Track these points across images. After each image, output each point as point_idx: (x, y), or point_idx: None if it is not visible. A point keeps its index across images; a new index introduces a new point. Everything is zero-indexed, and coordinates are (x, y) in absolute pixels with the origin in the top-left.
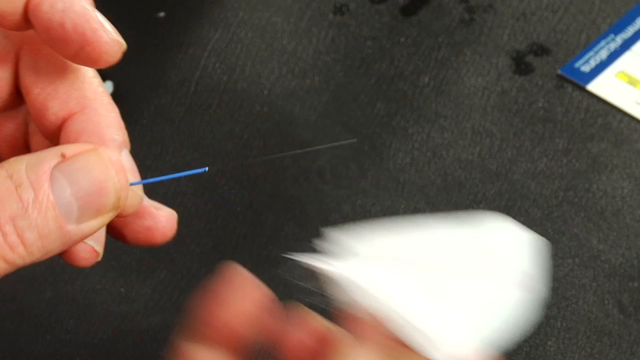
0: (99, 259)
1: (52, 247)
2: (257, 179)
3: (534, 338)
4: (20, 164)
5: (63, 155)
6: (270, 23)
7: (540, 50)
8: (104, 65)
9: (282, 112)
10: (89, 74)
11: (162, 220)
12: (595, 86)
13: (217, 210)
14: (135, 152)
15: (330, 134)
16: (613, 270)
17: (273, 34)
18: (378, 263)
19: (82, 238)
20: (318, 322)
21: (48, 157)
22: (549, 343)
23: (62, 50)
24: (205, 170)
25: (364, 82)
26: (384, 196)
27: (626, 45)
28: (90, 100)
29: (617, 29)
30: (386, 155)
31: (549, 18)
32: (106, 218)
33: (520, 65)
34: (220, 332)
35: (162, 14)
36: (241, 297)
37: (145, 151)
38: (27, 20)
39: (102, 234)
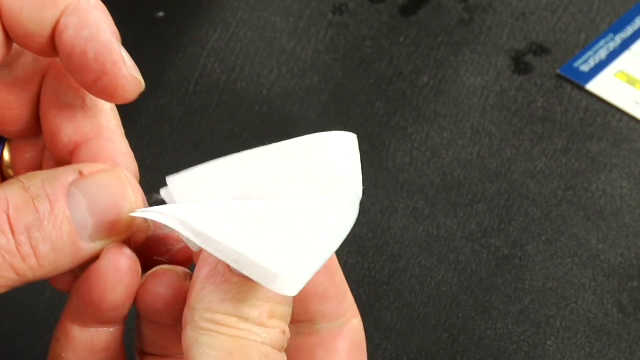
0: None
1: (63, 262)
2: None
3: (533, 338)
4: (37, 178)
5: (80, 173)
6: (270, 23)
7: (540, 50)
8: (119, 100)
9: (281, 112)
10: (107, 106)
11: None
12: (595, 86)
13: None
14: (134, 152)
15: None
16: (612, 270)
17: (272, 33)
18: (211, 198)
19: (92, 257)
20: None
21: (65, 174)
22: (548, 343)
23: (81, 78)
24: None
25: (363, 81)
26: (383, 196)
27: (625, 45)
28: (105, 129)
29: (617, 29)
30: (385, 155)
31: (548, 18)
32: (117, 239)
33: (520, 65)
34: (102, 311)
35: (161, 14)
36: (121, 280)
37: (145, 151)
38: (53, 46)
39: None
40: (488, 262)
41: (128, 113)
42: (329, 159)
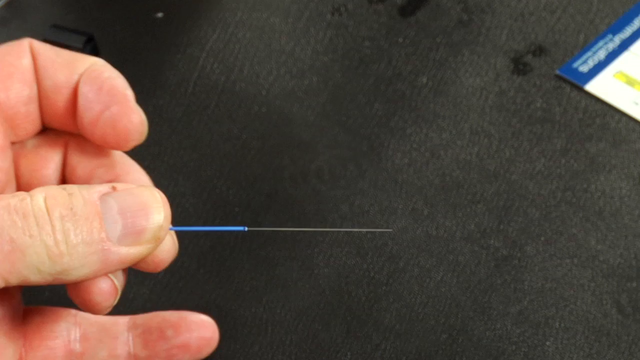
0: (116, 297)
1: (90, 259)
2: (255, 179)
3: (532, 338)
4: (73, 185)
5: (113, 188)
6: (269, 23)
7: (539, 51)
8: (121, 133)
9: (280, 113)
10: (126, 157)
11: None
12: (593, 86)
13: (216, 210)
14: (133, 152)
15: (329, 135)
16: (611, 271)
17: (271, 34)
18: None
19: (119, 263)
20: None
21: (99, 186)
22: (547, 343)
23: (89, 113)
24: (245, 229)
25: (362, 82)
26: (382, 196)
27: (624, 46)
28: (130, 167)
29: (615, 29)
30: (384, 156)
31: (547, 18)
32: (144, 249)
33: (519, 66)
34: None
35: (160, 15)
36: None
37: (144, 151)
38: (74, 107)
39: (122, 278)
40: (487, 263)
41: None
42: None
